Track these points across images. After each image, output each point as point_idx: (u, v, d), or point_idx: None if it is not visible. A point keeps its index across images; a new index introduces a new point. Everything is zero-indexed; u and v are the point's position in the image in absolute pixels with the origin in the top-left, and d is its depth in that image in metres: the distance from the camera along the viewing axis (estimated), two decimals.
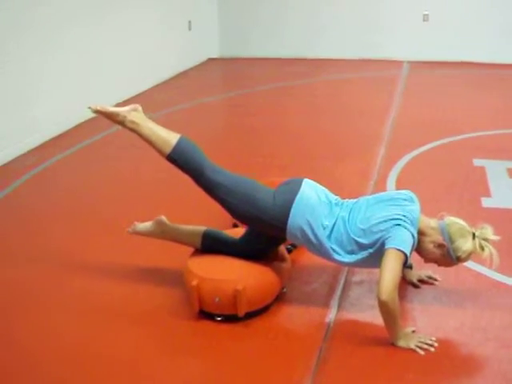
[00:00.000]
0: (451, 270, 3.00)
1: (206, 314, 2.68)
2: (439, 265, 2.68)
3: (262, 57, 8.77)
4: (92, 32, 5.98)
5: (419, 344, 2.45)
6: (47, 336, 2.64)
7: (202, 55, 8.78)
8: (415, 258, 2.95)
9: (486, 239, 2.53)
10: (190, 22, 8.19)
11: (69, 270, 3.17)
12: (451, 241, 2.55)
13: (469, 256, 2.56)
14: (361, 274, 3.01)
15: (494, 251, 2.50)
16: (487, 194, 3.92)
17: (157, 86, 7.28)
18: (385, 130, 5.35)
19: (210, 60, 8.86)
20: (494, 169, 4.34)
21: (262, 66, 8.41)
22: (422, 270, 2.96)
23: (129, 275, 3.09)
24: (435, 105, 6.19)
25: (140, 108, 2.75)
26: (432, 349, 2.44)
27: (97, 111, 2.73)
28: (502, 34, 7.89)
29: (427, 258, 2.66)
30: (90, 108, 2.72)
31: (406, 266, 2.89)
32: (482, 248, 2.52)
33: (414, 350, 2.44)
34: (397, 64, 8.12)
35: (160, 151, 2.69)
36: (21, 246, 3.48)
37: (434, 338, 2.48)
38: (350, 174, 4.32)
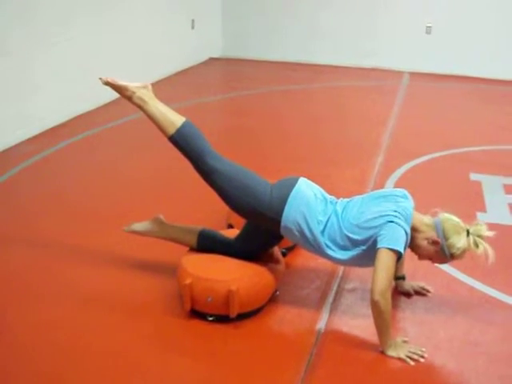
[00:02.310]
0: (444, 283, 3.02)
1: (197, 314, 2.67)
2: (433, 262, 2.69)
3: (263, 59, 8.77)
4: (94, 26, 5.96)
5: (409, 354, 2.45)
6: (40, 326, 2.63)
7: (204, 54, 8.76)
8: (408, 268, 2.96)
9: (480, 236, 2.53)
10: (193, 20, 8.18)
11: (62, 261, 3.16)
12: (445, 237, 2.54)
13: (463, 253, 2.55)
14: (354, 282, 3.02)
15: (488, 248, 2.49)
16: (482, 208, 3.93)
17: (157, 82, 7.24)
18: (383, 139, 5.36)
19: (212, 59, 8.85)
20: (490, 184, 4.35)
21: (263, 69, 8.41)
22: (414, 280, 2.96)
23: (123, 269, 3.07)
24: (434, 117, 6.20)
25: (150, 87, 2.77)
26: (422, 359, 2.44)
27: (107, 83, 2.73)
28: (505, 50, 7.91)
29: (421, 254, 2.65)
30: (100, 79, 2.72)
31: (399, 277, 2.90)
32: (477, 245, 2.51)
33: (403, 360, 2.43)
34: (397, 74, 8.13)
35: (164, 131, 2.70)
36: (14, 234, 3.46)
37: (424, 349, 2.48)
38: (346, 181, 4.32)
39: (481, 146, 5.23)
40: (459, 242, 2.52)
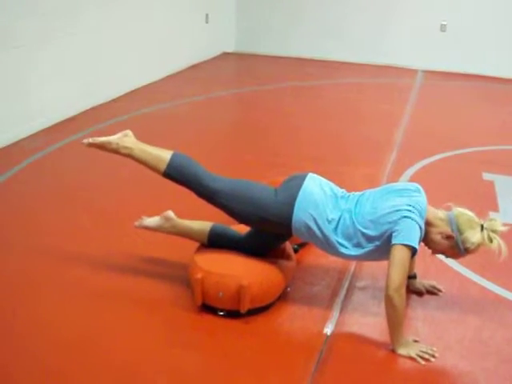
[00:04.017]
0: (455, 282, 3.01)
1: (208, 308, 2.68)
2: (447, 256, 2.67)
3: (276, 55, 8.76)
4: (105, 19, 5.95)
5: (420, 353, 2.44)
6: (46, 322, 2.63)
7: (217, 49, 8.77)
8: (419, 267, 2.95)
9: (494, 231, 2.51)
10: (207, 14, 8.18)
11: (68, 258, 3.15)
12: (460, 232, 2.53)
13: (477, 248, 2.54)
14: (365, 280, 3.01)
15: (502, 243, 2.48)
16: (495, 208, 3.91)
17: (169, 76, 7.27)
18: (395, 137, 5.34)
19: (225, 54, 8.85)
20: (502, 184, 4.33)
21: (276, 64, 8.40)
22: (426, 279, 2.96)
23: (132, 266, 3.07)
24: (448, 116, 6.17)
25: (130, 133, 2.79)
26: (433, 359, 2.43)
27: (89, 144, 2.76)
28: None
29: (435, 249, 2.64)
30: (83, 143, 2.76)
31: (410, 276, 2.88)
32: (491, 240, 2.50)
33: (414, 359, 2.43)
34: (411, 72, 8.10)
35: (156, 169, 2.73)
36: (19, 232, 3.43)
37: (435, 349, 2.47)
38: (357, 179, 4.29)
39: (494, 145, 5.20)
40: (473, 236, 2.51)
